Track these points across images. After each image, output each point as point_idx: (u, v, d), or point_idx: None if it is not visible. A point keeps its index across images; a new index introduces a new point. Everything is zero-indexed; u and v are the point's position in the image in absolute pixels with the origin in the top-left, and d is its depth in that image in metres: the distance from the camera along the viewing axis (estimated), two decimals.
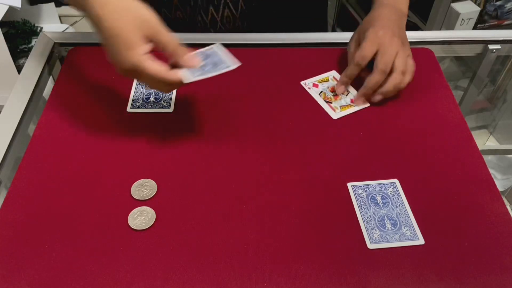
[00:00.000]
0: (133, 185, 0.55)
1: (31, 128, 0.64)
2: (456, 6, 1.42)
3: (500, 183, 1.31)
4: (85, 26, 1.83)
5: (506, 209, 0.55)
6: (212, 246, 0.50)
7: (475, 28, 1.47)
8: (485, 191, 0.56)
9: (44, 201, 0.54)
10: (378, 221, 0.53)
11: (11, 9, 1.35)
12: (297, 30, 0.80)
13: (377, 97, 0.66)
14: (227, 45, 0.79)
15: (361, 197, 0.55)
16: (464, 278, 0.48)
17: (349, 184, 0.56)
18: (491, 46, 0.79)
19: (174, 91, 0.67)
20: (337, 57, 0.74)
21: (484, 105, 1.46)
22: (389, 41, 0.64)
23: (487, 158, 1.29)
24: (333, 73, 0.71)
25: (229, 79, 0.70)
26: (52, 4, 1.84)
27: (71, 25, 1.93)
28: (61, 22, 1.91)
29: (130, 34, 0.51)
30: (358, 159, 0.59)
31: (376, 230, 0.52)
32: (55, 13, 1.87)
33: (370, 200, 0.55)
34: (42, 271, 0.48)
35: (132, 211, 0.53)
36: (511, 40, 0.80)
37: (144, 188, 0.55)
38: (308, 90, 0.69)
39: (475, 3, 1.43)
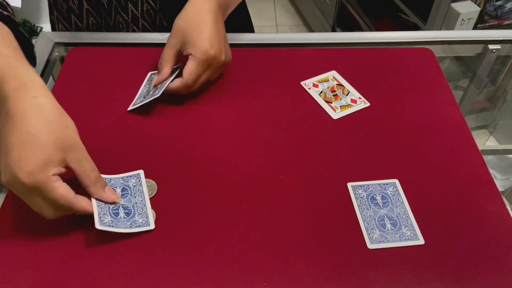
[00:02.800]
0: None
1: None
2: (456, 6, 1.42)
3: (500, 183, 1.31)
4: None
5: (506, 209, 0.55)
6: (212, 246, 0.50)
7: (475, 28, 1.47)
8: (485, 191, 0.56)
9: None
10: (378, 221, 0.53)
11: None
12: None
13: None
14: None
15: (361, 197, 0.55)
16: (464, 278, 0.48)
17: (349, 184, 0.56)
18: (491, 46, 0.79)
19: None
20: (337, 57, 0.74)
21: (484, 105, 1.46)
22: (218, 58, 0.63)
23: (487, 158, 1.29)
24: (333, 73, 0.71)
25: (229, 79, 0.70)
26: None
27: None
28: None
29: (51, 149, 0.45)
30: (358, 159, 0.59)
31: (376, 230, 0.52)
32: None
33: (370, 200, 0.55)
34: (42, 271, 0.48)
35: None
36: (511, 40, 0.80)
37: None
38: (308, 90, 0.69)
39: (475, 3, 1.43)
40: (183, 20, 0.63)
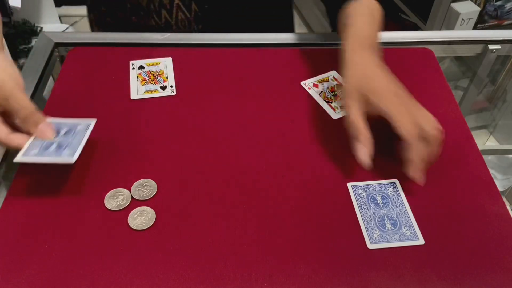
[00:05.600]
0: (133, 185, 0.55)
1: None
2: (456, 6, 1.42)
3: (500, 183, 1.31)
4: (85, 26, 1.83)
5: (506, 209, 0.55)
6: (212, 246, 0.50)
7: (475, 28, 1.47)
8: (485, 191, 0.56)
9: (44, 201, 0.54)
10: (378, 221, 0.53)
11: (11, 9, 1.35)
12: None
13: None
14: (227, 45, 0.79)
15: (361, 197, 0.55)
16: (464, 278, 0.48)
17: (349, 184, 0.56)
18: (491, 46, 0.79)
19: None
20: (337, 57, 0.74)
21: (484, 105, 1.46)
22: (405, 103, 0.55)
23: (487, 158, 1.29)
24: (333, 73, 0.71)
25: (229, 79, 0.70)
26: (52, 4, 1.85)
27: (71, 25, 1.94)
28: (61, 22, 1.91)
29: None
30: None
31: (376, 230, 0.52)
32: (55, 13, 1.87)
33: (370, 200, 0.55)
34: (42, 271, 0.48)
35: (132, 211, 0.53)
36: (511, 40, 0.80)
37: (144, 188, 0.55)
38: (308, 90, 0.69)
39: (475, 3, 1.43)
40: (353, 76, 0.57)
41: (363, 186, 0.56)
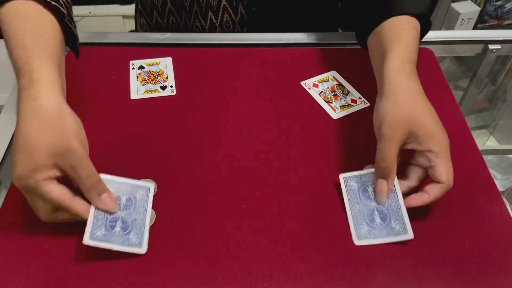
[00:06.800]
0: None
1: None
2: (456, 6, 1.42)
3: (500, 183, 1.31)
4: (85, 26, 1.83)
5: (506, 209, 0.55)
6: (212, 246, 0.50)
7: (475, 28, 1.47)
8: (485, 191, 0.56)
9: None
10: (367, 215, 0.52)
11: None
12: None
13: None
14: (227, 45, 0.79)
15: (352, 190, 0.54)
16: (464, 278, 0.48)
17: (341, 176, 0.56)
18: (491, 46, 0.79)
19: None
20: (337, 57, 0.74)
21: (484, 105, 1.46)
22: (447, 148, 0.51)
23: (487, 158, 1.29)
24: (333, 73, 0.71)
25: (229, 79, 0.70)
26: None
27: None
28: None
29: (41, 156, 0.45)
30: (358, 159, 0.59)
31: (364, 226, 0.51)
32: None
33: (362, 192, 0.54)
34: (42, 271, 0.48)
35: None
36: (511, 40, 0.80)
37: None
38: (308, 90, 0.69)
39: (475, 3, 1.43)
40: (401, 106, 0.51)
41: (356, 177, 0.55)
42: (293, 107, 0.66)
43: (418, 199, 0.51)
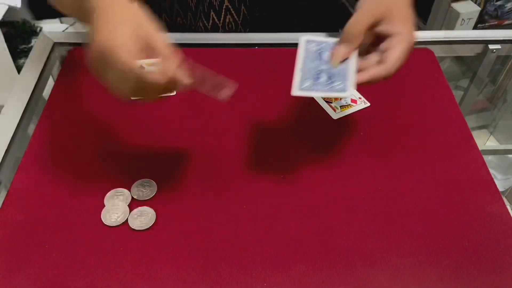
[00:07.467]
0: (133, 185, 0.55)
1: (31, 128, 0.64)
2: (456, 6, 1.42)
3: (500, 183, 1.31)
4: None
5: (506, 209, 0.55)
6: (212, 246, 0.50)
7: (475, 28, 1.47)
8: (485, 191, 0.56)
9: (44, 201, 0.54)
10: (315, 73, 0.51)
11: (11, 9, 1.35)
12: None
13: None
14: (227, 45, 0.79)
15: (309, 51, 0.53)
16: (464, 278, 0.48)
17: (303, 38, 0.55)
18: (491, 46, 0.79)
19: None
20: None
21: (484, 105, 1.46)
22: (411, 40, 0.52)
23: (487, 158, 1.29)
24: None
25: (230, 79, 0.70)
26: None
27: (71, 25, 1.93)
28: (61, 22, 1.91)
29: (130, 28, 0.48)
30: (358, 159, 0.59)
31: (309, 80, 0.51)
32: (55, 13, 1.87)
33: (318, 54, 0.53)
34: (42, 271, 0.48)
35: (132, 211, 0.53)
36: (511, 40, 0.80)
37: (144, 188, 0.55)
38: None
39: (475, 3, 1.43)
40: None
41: (316, 42, 0.54)
42: (293, 107, 0.66)
43: (361, 75, 0.51)
